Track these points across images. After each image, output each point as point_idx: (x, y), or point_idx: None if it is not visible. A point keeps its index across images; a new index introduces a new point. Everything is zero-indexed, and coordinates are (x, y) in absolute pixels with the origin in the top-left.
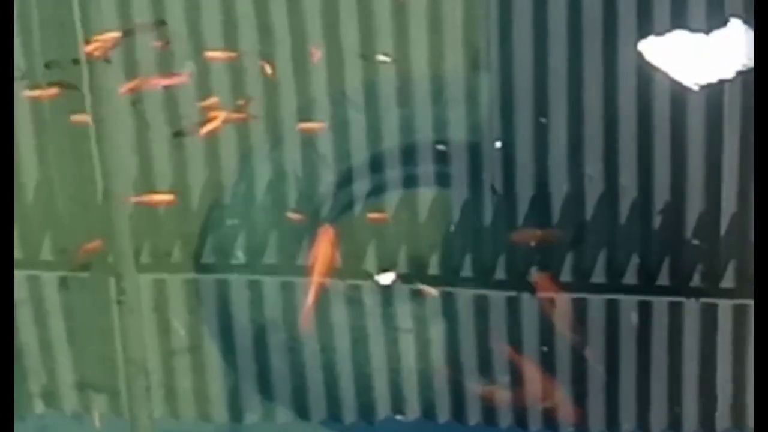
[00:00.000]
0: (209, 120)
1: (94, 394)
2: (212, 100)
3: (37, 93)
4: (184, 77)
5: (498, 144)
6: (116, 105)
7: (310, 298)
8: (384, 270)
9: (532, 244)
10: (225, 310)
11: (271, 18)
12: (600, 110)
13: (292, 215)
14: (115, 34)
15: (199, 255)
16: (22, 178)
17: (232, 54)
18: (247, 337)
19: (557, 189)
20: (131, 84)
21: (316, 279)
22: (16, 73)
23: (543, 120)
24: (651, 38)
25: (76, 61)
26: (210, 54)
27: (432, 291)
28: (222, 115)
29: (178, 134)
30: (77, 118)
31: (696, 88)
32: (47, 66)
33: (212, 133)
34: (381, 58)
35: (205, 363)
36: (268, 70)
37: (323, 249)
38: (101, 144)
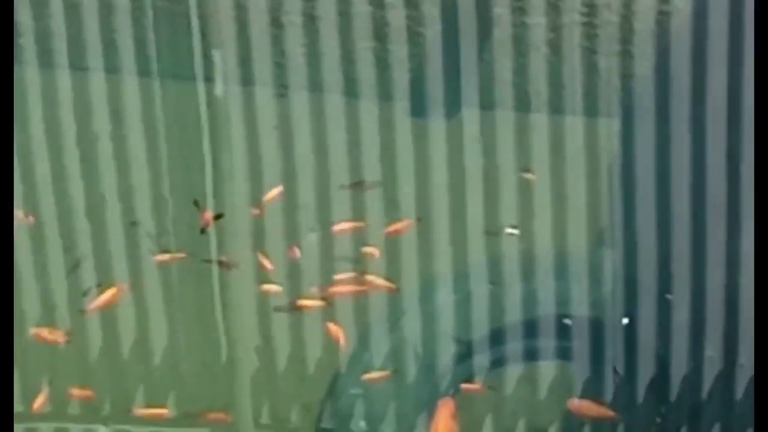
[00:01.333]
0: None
1: None
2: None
3: (166, 257)
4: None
5: (625, 320)
6: (242, 275)
7: None
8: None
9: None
10: None
11: (398, 192)
12: (721, 291)
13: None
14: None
15: (319, 421)
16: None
17: (359, 224)
18: None
19: (677, 368)
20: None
21: None
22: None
23: (669, 297)
24: None
25: (203, 231)
26: (338, 227)
27: None
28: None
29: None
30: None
31: None
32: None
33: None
34: (509, 230)
35: None
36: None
37: (443, 421)
38: (226, 312)
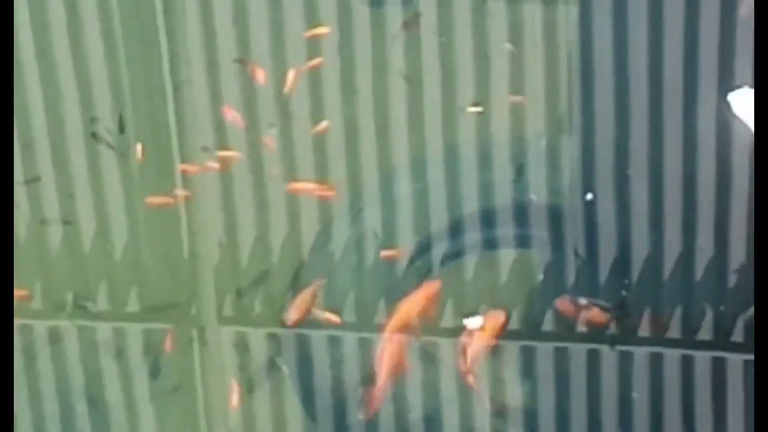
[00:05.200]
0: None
1: None
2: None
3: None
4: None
5: (589, 196)
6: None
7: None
8: (472, 314)
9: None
10: (306, 365)
11: (356, 80)
12: (680, 174)
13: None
14: None
15: (282, 312)
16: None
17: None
18: (326, 392)
19: (637, 251)
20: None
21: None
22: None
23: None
24: (743, 89)
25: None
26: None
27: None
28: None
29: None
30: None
31: None
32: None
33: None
34: (472, 109)
35: (287, 417)
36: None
37: (419, 301)
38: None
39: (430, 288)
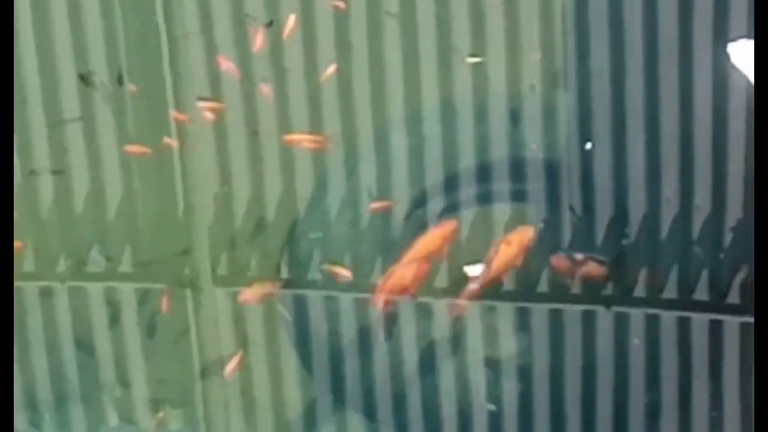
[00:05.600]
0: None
1: (170, 407)
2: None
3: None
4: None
5: (588, 145)
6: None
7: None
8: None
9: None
10: (303, 323)
11: (351, 35)
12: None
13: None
14: None
15: (278, 271)
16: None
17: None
18: (324, 350)
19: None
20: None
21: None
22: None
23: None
24: (742, 41)
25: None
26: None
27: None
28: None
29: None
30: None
31: None
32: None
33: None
34: (471, 59)
35: (283, 375)
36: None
37: (433, 240)
38: (184, 161)
39: (447, 227)
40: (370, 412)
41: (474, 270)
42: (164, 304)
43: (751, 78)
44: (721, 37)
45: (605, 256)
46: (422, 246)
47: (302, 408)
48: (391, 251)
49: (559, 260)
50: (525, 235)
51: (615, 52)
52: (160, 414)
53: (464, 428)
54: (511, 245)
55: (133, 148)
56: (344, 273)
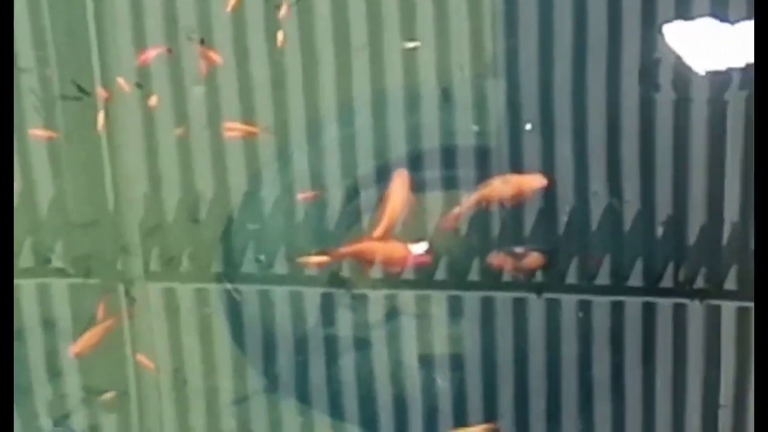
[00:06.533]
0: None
1: (104, 406)
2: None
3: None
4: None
5: (528, 126)
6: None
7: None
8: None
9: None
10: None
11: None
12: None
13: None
14: None
15: (210, 264)
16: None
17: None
18: (259, 341)
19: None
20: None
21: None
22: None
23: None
24: (678, 22)
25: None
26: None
27: None
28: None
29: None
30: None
31: (703, 73)
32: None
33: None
34: (409, 45)
35: (217, 370)
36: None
37: (398, 191)
38: (113, 155)
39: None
40: (304, 398)
41: (419, 247)
42: (100, 309)
43: (686, 58)
44: (651, 23)
45: (538, 246)
46: (392, 205)
47: (236, 396)
48: (326, 242)
49: (497, 258)
50: (531, 181)
51: (544, 39)
52: (93, 405)
53: (399, 414)
54: (509, 183)
55: (36, 132)
56: (319, 260)
